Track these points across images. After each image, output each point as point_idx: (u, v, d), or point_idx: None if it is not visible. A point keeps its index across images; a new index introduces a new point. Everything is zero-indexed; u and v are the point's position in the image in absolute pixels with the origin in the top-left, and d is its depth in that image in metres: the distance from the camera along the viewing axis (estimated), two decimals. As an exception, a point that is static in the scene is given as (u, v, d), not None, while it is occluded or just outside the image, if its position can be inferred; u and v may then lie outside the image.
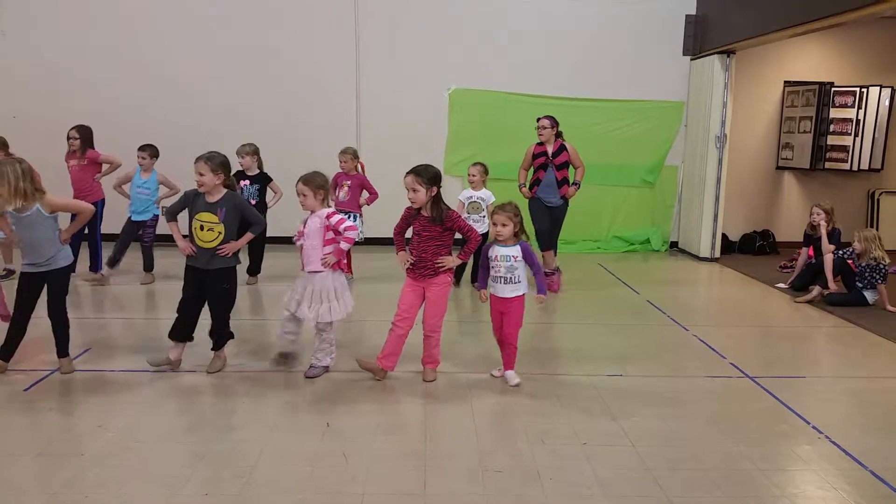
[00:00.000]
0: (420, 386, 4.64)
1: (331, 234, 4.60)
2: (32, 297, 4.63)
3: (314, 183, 4.56)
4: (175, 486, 3.30)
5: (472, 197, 7.21)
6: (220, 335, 4.82)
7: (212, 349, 4.84)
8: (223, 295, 4.75)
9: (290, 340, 4.81)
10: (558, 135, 7.26)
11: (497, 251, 4.55)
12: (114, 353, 5.18)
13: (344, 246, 4.62)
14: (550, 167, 7.20)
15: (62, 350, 4.76)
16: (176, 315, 4.76)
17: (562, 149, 7.21)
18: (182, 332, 4.77)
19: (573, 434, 3.94)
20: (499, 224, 4.52)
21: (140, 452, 3.64)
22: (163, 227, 7.62)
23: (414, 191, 4.43)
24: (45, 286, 4.62)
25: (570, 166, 7.26)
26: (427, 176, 4.43)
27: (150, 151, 7.32)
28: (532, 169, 7.33)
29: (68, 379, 4.64)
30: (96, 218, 7.07)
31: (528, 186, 7.32)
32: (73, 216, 4.73)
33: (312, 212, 4.61)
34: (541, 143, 7.27)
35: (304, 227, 4.62)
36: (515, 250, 4.53)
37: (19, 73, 9.42)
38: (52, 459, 3.55)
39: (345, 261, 4.89)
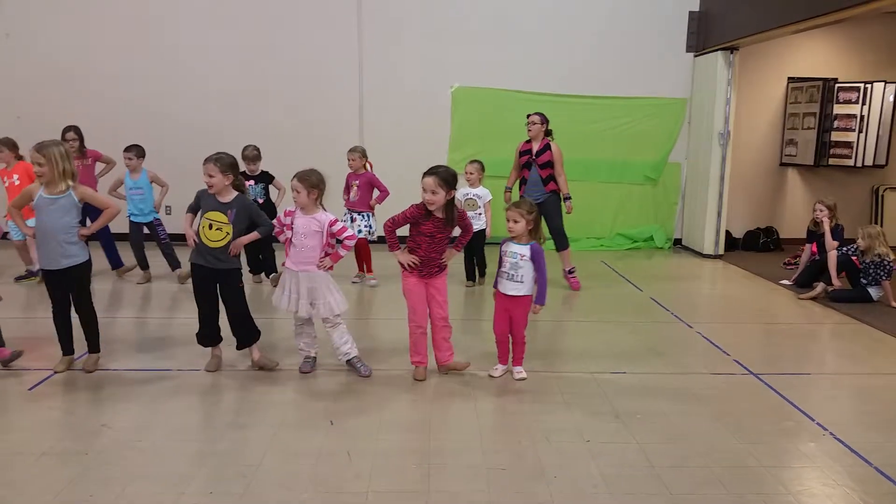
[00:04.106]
0: (423, 383, 4.64)
1: (328, 240, 4.63)
2: (59, 292, 4.65)
3: (308, 181, 4.53)
4: (180, 484, 3.30)
5: (468, 194, 7.26)
6: (243, 333, 4.80)
7: (237, 348, 4.84)
8: (237, 294, 4.74)
9: (312, 349, 4.87)
10: (548, 133, 7.22)
11: (508, 247, 4.59)
12: (118, 352, 5.18)
13: (342, 252, 4.64)
14: (534, 166, 7.15)
15: (93, 346, 4.81)
16: (198, 321, 4.78)
17: (546, 147, 7.11)
18: (207, 337, 4.80)
19: (577, 431, 3.94)
20: (511, 220, 4.53)
21: (144, 451, 3.65)
22: (171, 228, 7.73)
23: (433, 193, 4.39)
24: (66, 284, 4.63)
25: (553, 170, 7.14)
26: (447, 178, 4.42)
27: (136, 151, 7.24)
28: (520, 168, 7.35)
29: (72, 378, 4.65)
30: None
31: (516, 187, 7.35)
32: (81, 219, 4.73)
33: (303, 209, 4.60)
34: (528, 141, 7.25)
35: (292, 224, 4.61)
36: (525, 249, 4.53)
37: (23, 74, 9.43)
38: (57, 458, 3.56)
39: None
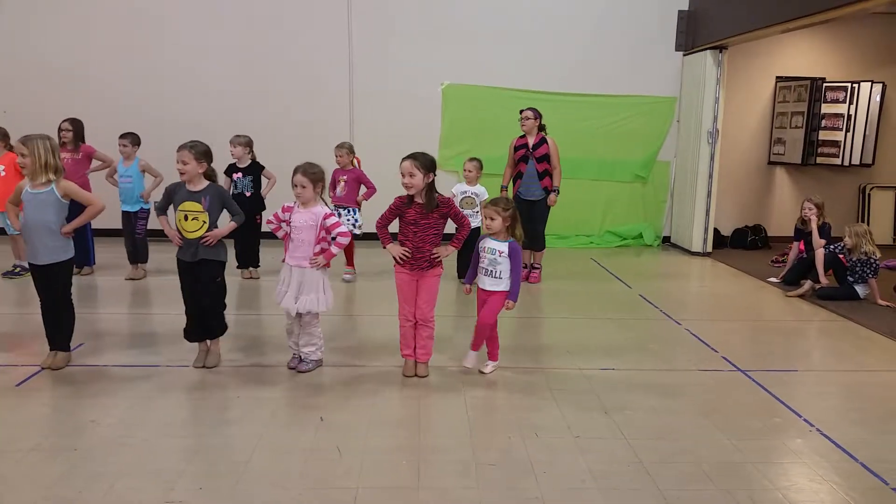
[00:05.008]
0: (413, 380, 4.65)
1: (323, 233, 4.59)
2: (44, 286, 4.62)
3: (313, 174, 4.51)
4: (169, 480, 3.30)
5: (466, 192, 7.25)
6: (212, 326, 4.77)
7: (192, 339, 4.81)
8: (215, 289, 4.71)
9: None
10: (541, 128, 7.29)
11: (486, 243, 4.63)
12: (107, 348, 5.17)
13: (335, 250, 4.61)
14: (531, 159, 7.22)
15: (64, 343, 4.74)
16: (185, 317, 4.74)
17: (542, 141, 7.22)
18: (195, 332, 4.77)
19: (566, 427, 3.96)
20: (488, 217, 4.58)
21: (134, 447, 3.64)
22: (154, 222, 7.67)
23: (411, 175, 4.38)
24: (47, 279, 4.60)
25: (549, 164, 7.23)
26: (425, 161, 4.42)
27: (131, 139, 7.22)
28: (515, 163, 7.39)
29: (61, 374, 4.62)
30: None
31: (512, 181, 7.39)
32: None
33: (305, 203, 4.58)
34: (522, 136, 7.31)
35: (289, 219, 4.58)
36: (503, 246, 4.57)
37: (11, 69, 9.36)
38: (45, 455, 3.54)
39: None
